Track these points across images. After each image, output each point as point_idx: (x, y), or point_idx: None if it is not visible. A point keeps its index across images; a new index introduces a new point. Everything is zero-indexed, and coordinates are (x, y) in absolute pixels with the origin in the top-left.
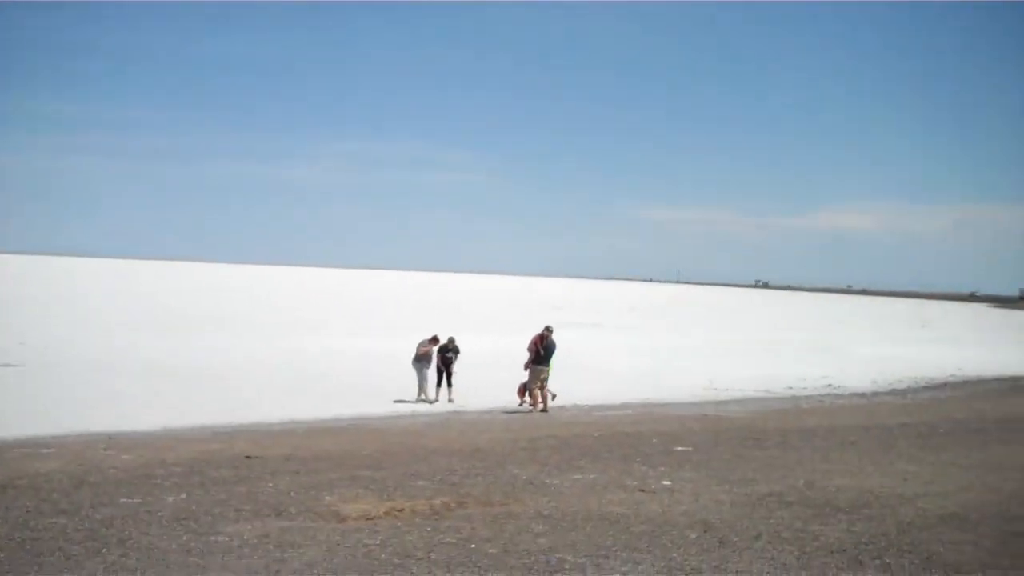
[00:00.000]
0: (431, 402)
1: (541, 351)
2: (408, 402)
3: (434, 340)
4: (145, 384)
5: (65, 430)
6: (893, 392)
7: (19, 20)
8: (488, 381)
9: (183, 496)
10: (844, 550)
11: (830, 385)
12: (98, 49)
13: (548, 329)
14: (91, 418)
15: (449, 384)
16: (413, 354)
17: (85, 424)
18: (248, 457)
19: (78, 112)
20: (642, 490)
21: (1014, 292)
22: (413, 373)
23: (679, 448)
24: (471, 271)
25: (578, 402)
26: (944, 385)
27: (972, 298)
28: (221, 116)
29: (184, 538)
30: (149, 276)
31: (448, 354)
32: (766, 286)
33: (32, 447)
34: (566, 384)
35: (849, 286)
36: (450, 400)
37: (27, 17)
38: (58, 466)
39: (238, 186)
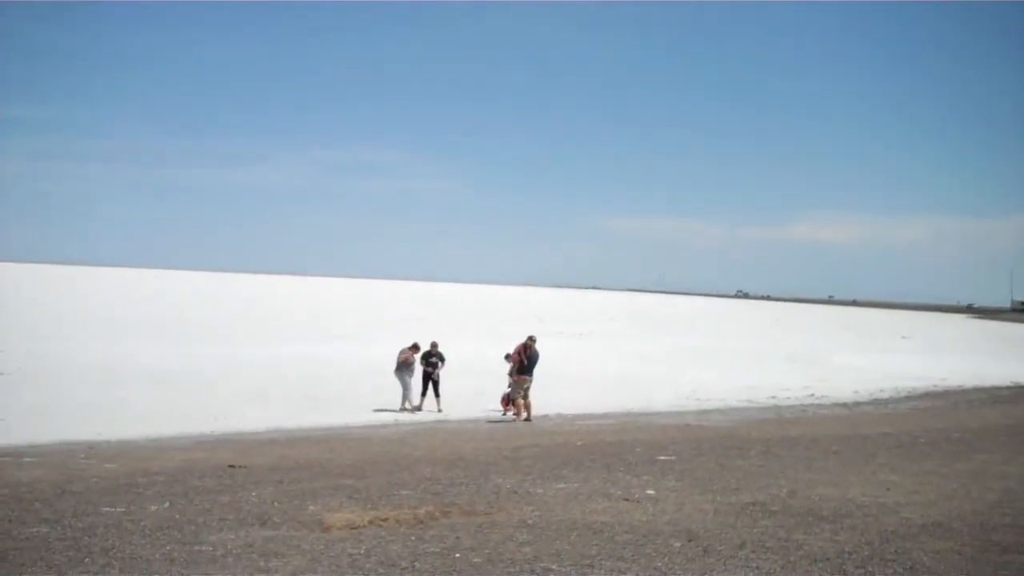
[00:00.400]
0: (415, 410)
1: (524, 361)
2: (391, 411)
3: (415, 348)
4: (128, 392)
5: (48, 439)
6: (875, 402)
7: None
8: (472, 390)
9: (166, 505)
10: (828, 559)
11: (812, 395)
12: (77, 53)
13: (531, 339)
14: (74, 427)
15: (436, 393)
16: (395, 363)
17: (68, 433)
18: (232, 466)
19: (51, 117)
20: (626, 499)
21: (1005, 304)
22: (396, 382)
23: (662, 457)
24: (448, 280)
25: (561, 411)
26: (925, 395)
27: (969, 310)
28: (196, 122)
29: (167, 547)
30: (127, 284)
31: (432, 359)
32: (746, 296)
33: (14, 456)
34: (550, 393)
35: (831, 296)
36: (439, 410)
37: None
38: (40, 475)
39: (213, 193)
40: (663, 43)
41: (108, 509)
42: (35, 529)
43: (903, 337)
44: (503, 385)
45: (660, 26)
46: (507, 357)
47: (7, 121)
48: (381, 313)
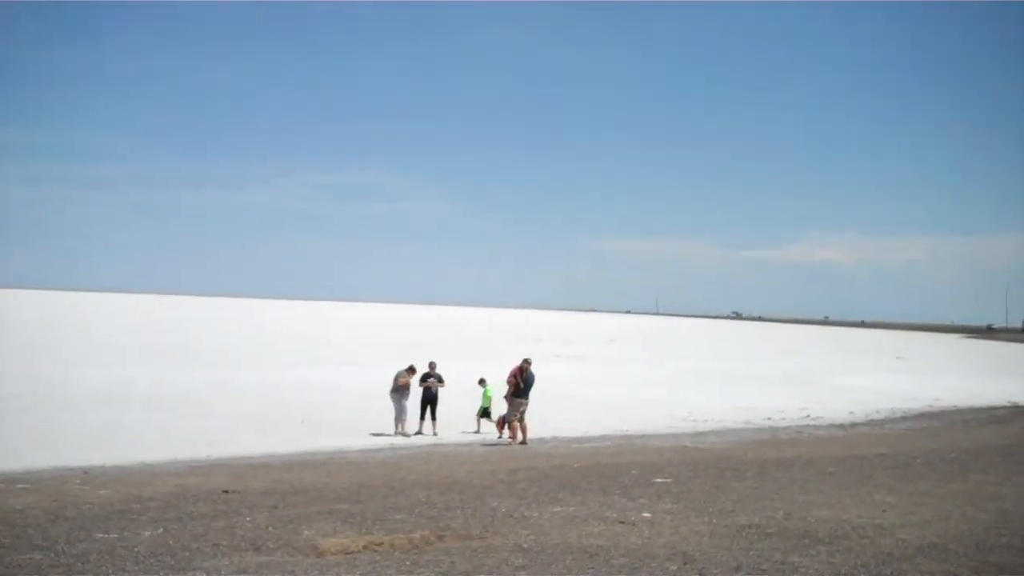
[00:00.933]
0: (413, 435)
1: (521, 383)
2: (386, 435)
3: (411, 370)
4: (124, 417)
5: (43, 464)
6: (871, 423)
7: None
8: (467, 413)
9: (160, 531)
10: None
11: (808, 416)
12: (75, 76)
13: (527, 361)
14: (69, 452)
15: (433, 417)
16: (391, 386)
17: (63, 458)
18: (226, 491)
19: (48, 141)
20: (622, 522)
21: (1005, 323)
22: (391, 405)
23: (658, 479)
24: (445, 302)
25: (558, 434)
26: (921, 416)
27: (990, 331)
28: (188, 145)
29: (161, 574)
30: (126, 309)
31: (430, 379)
32: (739, 317)
33: (7, 482)
34: (546, 416)
35: (827, 317)
36: (434, 433)
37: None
38: (33, 501)
39: (208, 217)
40: (659, 61)
41: (101, 535)
42: (28, 556)
43: (898, 357)
44: (500, 408)
45: (656, 43)
46: (481, 381)
47: (2, 145)
48: (379, 337)
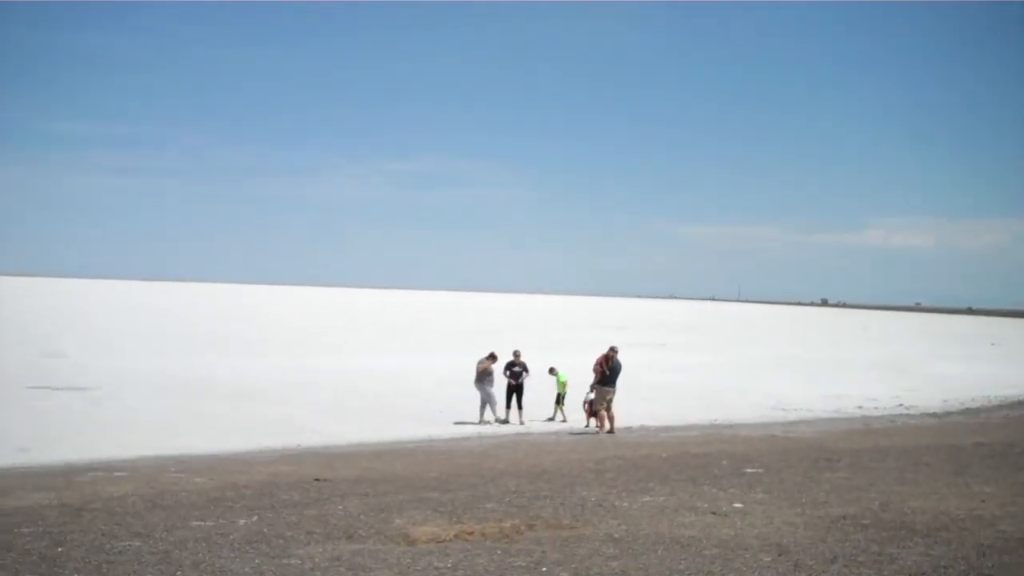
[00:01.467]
0: (499, 423)
1: (606, 372)
2: (473, 423)
3: (492, 357)
4: (212, 406)
5: (137, 453)
6: (966, 411)
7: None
8: (547, 402)
9: (254, 519)
10: (923, 574)
11: (901, 405)
12: (112, 62)
13: (613, 349)
14: (162, 441)
15: (519, 406)
16: (474, 374)
17: (156, 447)
18: (317, 480)
19: (93, 130)
20: (714, 512)
21: None
22: (475, 393)
23: (749, 469)
24: (522, 291)
25: (644, 423)
26: (1018, 404)
27: None
28: (262, 135)
29: (256, 561)
30: (204, 298)
31: (516, 368)
32: (825, 304)
33: (105, 471)
34: (631, 405)
35: (918, 303)
36: (521, 422)
37: (31, 28)
38: (131, 489)
39: (274, 206)
40: (731, 47)
41: (198, 523)
42: (127, 543)
43: (992, 344)
44: (579, 397)
45: (735, 33)
46: (551, 370)
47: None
48: (455, 325)
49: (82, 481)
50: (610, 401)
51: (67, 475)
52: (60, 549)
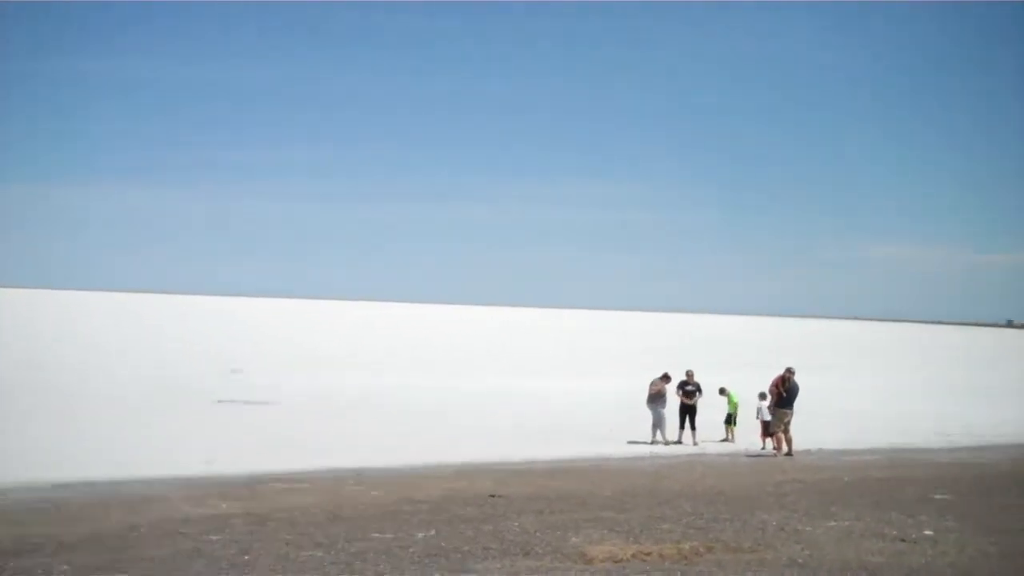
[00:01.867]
0: (672, 444)
1: (783, 393)
2: (645, 443)
3: (665, 378)
4: (387, 422)
5: (316, 466)
6: None
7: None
8: (717, 423)
9: (432, 532)
10: None
11: None
12: (261, 91)
13: (790, 371)
14: (340, 455)
15: (692, 427)
16: (647, 394)
17: (335, 460)
18: (493, 496)
19: (280, 157)
20: (902, 539)
21: None
22: (648, 413)
23: (938, 495)
24: (692, 310)
25: (822, 446)
26: None
27: None
28: (425, 160)
29: (436, 574)
30: (378, 317)
31: (689, 388)
32: (1011, 325)
33: (288, 482)
34: (808, 428)
35: None
36: (694, 443)
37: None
38: (313, 501)
39: (438, 227)
40: (907, 59)
41: (377, 535)
42: (310, 552)
43: None
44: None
45: (902, 41)
46: (721, 391)
47: (270, 163)
48: (625, 344)
49: (265, 491)
50: (787, 423)
51: (251, 485)
52: (247, 557)
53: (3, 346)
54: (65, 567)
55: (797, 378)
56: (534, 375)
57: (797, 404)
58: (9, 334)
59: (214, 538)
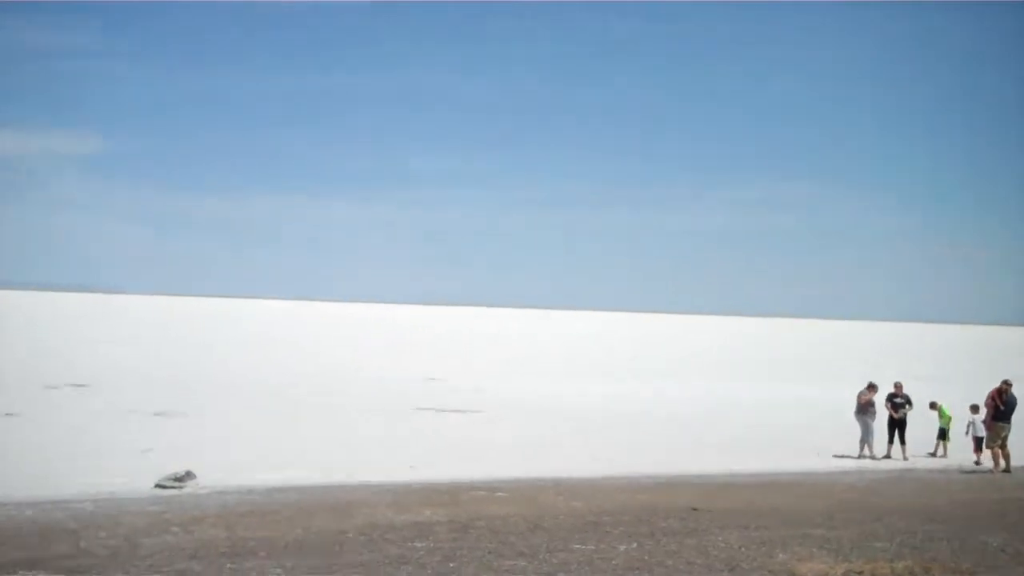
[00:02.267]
0: (880, 458)
1: (1000, 406)
2: (851, 457)
3: (872, 388)
4: (582, 431)
5: (515, 474)
6: None
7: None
8: (926, 437)
9: (634, 545)
10: None
11: None
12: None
13: (1007, 383)
14: (539, 463)
15: (902, 440)
16: (855, 405)
17: (534, 469)
18: (694, 509)
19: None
20: None
21: None
22: (855, 426)
23: None
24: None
25: None
26: None
27: None
28: (626, 168)
29: None
30: (572, 324)
31: (897, 400)
32: None
33: (487, 490)
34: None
35: None
36: (904, 458)
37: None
38: (513, 510)
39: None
40: None
41: (579, 546)
42: (513, 562)
43: None
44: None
45: None
46: (932, 405)
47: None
48: (831, 354)
49: (466, 499)
50: (1005, 438)
51: (452, 492)
52: (452, 564)
53: (229, 351)
54: (278, 571)
55: (1015, 390)
56: (727, 381)
57: (1016, 417)
58: (234, 339)
59: (419, 545)
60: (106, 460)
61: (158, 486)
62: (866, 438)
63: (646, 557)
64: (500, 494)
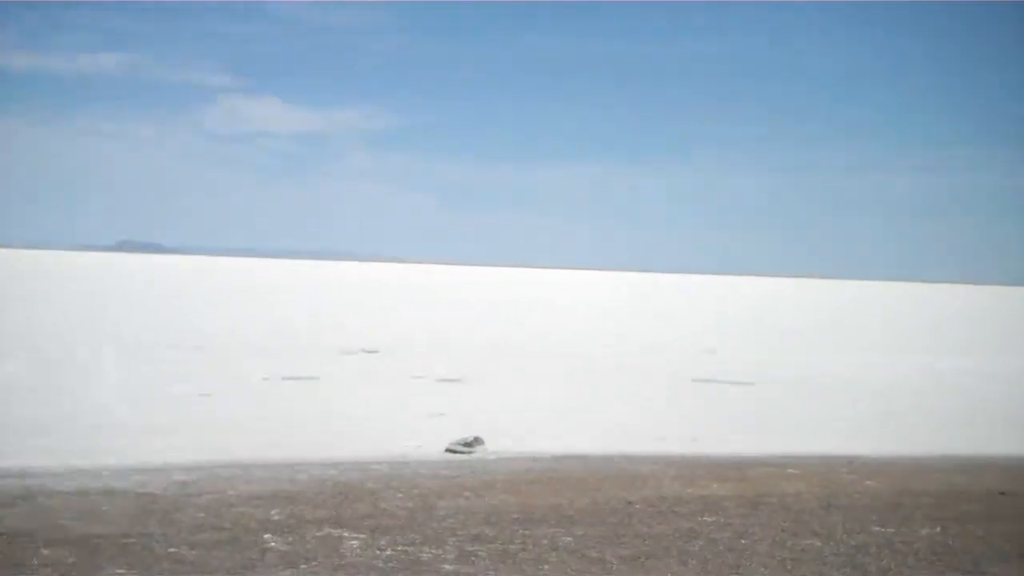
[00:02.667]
0: None
1: None
2: None
3: None
4: (869, 406)
5: (804, 451)
6: None
7: None
8: None
9: (937, 529)
10: None
11: None
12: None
13: None
14: (828, 439)
15: None
16: None
17: (823, 445)
18: (1002, 493)
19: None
20: None
21: None
22: None
23: None
24: None
25: None
26: None
27: None
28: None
29: (947, 574)
30: (832, 293)
31: None
32: None
33: (776, 466)
34: None
35: None
36: None
37: None
38: (804, 487)
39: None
40: None
41: (877, 528)
42: (808, 542)
43: None
44: None
45: None
46: None
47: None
48: None
49: (754, 475)
50: None
51: (739, 467)
52: (743, 541)
53: (513, 316)
54: (568, 539)
55: None
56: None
57: None
58: (522, 307)
59: (708, 519)
60: (399, 424)
61: (448, 450)
62: None
63: (950, 542)
64: (790, 471)
